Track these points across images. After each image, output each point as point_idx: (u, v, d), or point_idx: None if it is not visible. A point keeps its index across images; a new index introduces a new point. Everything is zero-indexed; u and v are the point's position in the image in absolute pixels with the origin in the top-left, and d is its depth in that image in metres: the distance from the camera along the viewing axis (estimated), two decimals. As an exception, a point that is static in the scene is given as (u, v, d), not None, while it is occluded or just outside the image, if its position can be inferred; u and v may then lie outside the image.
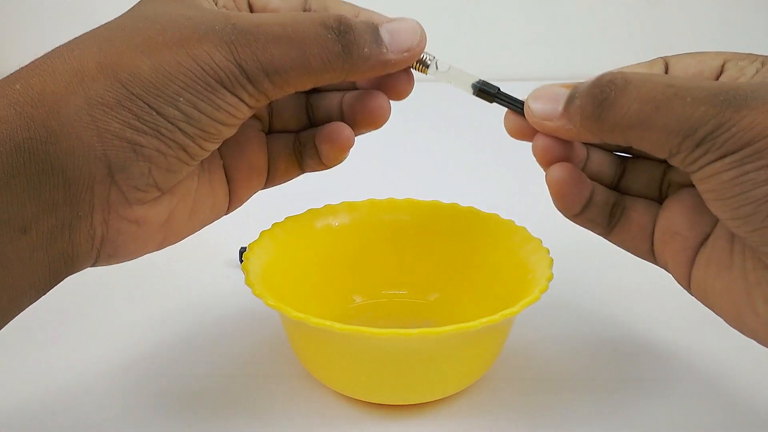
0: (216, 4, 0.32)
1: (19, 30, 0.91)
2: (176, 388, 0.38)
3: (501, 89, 0.34)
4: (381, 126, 0.34)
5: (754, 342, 0.40)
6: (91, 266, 0.31)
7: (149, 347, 0.41)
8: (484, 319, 0.32)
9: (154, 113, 0.28)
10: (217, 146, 0.31)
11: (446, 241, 0.42)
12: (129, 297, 0.45)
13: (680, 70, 0.32)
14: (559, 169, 0.32)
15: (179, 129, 0.29)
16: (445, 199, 0.43)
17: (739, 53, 0.31)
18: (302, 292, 0.39)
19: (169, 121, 0.29)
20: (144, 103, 0.28)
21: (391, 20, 0.32)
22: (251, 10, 0.33)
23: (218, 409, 0.36)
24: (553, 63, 0.90)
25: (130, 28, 0.29)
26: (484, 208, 0.42)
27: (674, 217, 0.32)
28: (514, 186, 0.62)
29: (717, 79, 0.31)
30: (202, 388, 0.38)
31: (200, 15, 0.29)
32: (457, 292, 0.41)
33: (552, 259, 0.36)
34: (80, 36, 0.30)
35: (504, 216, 0.41)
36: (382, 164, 0.66)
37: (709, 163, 0.28)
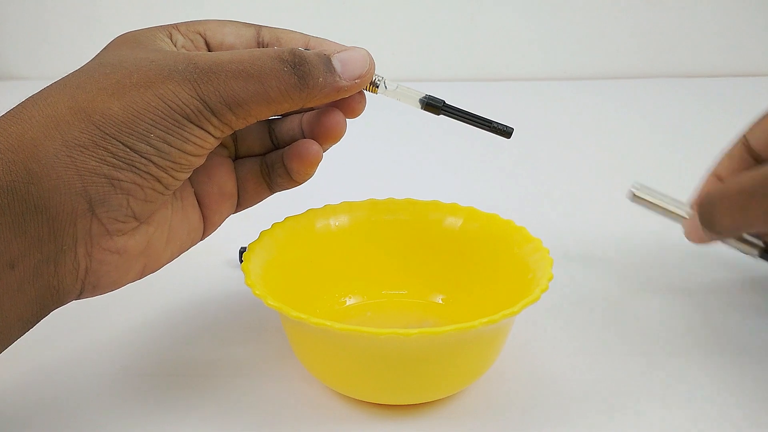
0: (175, 45, 0.35)
1: (20, 31, 0.91)
2: (175, 388, 0.37)
3: (446, 102, 0.37)
4: (339, 140, 0.37)
5: (755, 343, 0.40)
6: (76, 298, 0.32)
7: (148, 346, 0.41)
8: (484, 320, 0.32)
9: (128, 150, 0.30)
10: (188, 175, 0.33)
11: (446, 241, 0.42)
12: (129, 297, 0.45)
13: (757, 143, 0.42)
14: None
15: (152, 162, 0.31)
16: (445, 199, 0.42)
17: None
18: (302, 292, 0.39)
19: (142, 156, 0.31)
20: (118, 141, 0.30)
21: (342, 49, 0.34)
22: (209, 50, 0.35)
23: (218, 409, 0.36)
24: (552, 63, 0.91)
25: (99, 74, 0.31)
26: (484, 208, 0.42)
27: None
28: (514, 186, 0.62)
29: None
30: (201, 388, 0.38)
31: (163, 57, 0.32)
32: (457, 292, 0.41)
33: (552, 259, 0.36)
34: (51, 85, 0.32)
35: (504, 216, 0.41)
36: (382, 164, 0.66)
37: None
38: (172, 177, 0.32)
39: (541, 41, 0.91)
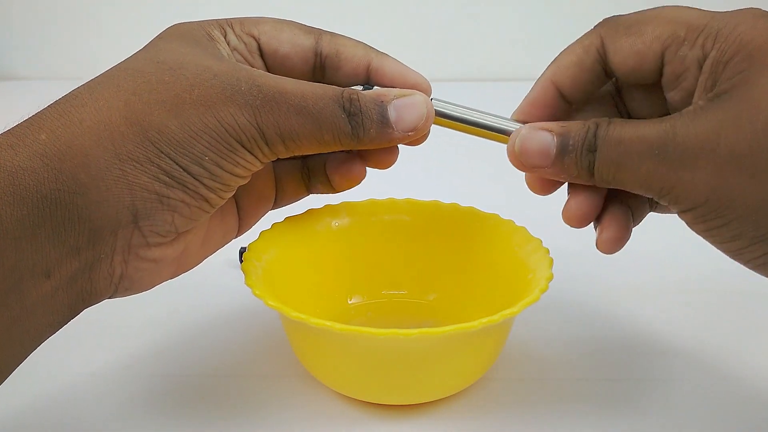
0: (229, 45, 0.33)
1: (20, 31, 0.91)
2: (176, 388, 0.38)
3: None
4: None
5: (755, 341, 0.40)
6: (108, 299, 0.32)
7: (149, 347, 0.41)
8: (484, 320, 0.32)
9: (182, 170, 0.30)
10: (232, 194, 0.32)
11: (446, 241, 0.42)
12: (128, 297, 0.45)
13: (620, 62, 0.32)
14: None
15: (203, 184, 0.30)
16: (445, 199, 0.42)
17: (680, 20, 0.31)
18: (302, 292, 0.39)
19: (195, 177, 0.30)
20: (172, 160, 0.30)
21: (400, 95, 0.33)
22: (261, 55, 0.34)
23: (218, 409, 0.36)
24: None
25: (157, 80, 0.30)
26: (484, 208, 0.42)
27: None
28: (513, 186, 0.62)
29: (661, 70, 0.31)
30: (201, 388, 0.38)
31: (225, 71, 0.31)
32: (457, 293, 0.41)
33: (552, 259, 0.36)
34: (103, 81, 0.31)
35: (504, 216, 0.41)
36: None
37: (679, 212, 0.30)
38: (219, 197, 0.31)
39: (541, 41, 0.91)
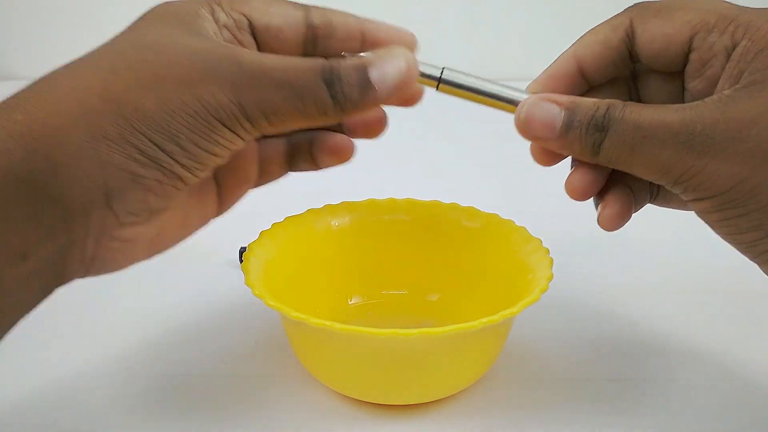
0: (217, 23, 0.32)
1: (20, 31, 0.91)
2: (176, 388, 0.37)
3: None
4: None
5: (756, 341, 0.40)
6: (80, 278, 0.31)
7: (149, 347, 0.41)
8: (484, 319, 0.32)
9: (156, 148, 0.29)
10: (210, 173, 0.32)
11: (446, 241, 0.41)
12: (128, 296, 0.45)
13: (646, 43, 0.32)
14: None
15: (178, 162, 0.30)
16: (445, 199, 0.42)
17: (711, 9, 0.31)
18: (302, 292, 0.39)
19: (169, 156, 0.29)
20: (147, 138, 0.29)
21: (381, 55, 0.32)
22: (252, 30, 0.33)
23: (217, 409, 0.36)
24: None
25: (136, 59, 0.29)
26: (484, 208, 0.42)
27: None
28: (513, 185, 0.62)
29: (687, 56, 0.31)
30: (201, 388, 0.38)
31: (206, 49, 0.30)
32: (457, 292, 0.41)
33: (552, 259, 0.36)
34: (81, 60, 0.30)
35: (504, 216, 0.41)
36: (382, 164, 0.66)
37: (692, 201, 0.30)
38: (194, 176, 0.31)
39: (541, 41, 0.91)
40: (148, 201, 0.30)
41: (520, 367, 0.39)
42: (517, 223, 0.40)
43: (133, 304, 0.44)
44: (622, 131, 0.30)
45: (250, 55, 0.30)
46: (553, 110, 0.31)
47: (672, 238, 0.49)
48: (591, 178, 0.33)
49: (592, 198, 0.34)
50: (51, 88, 0.29)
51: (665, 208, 0.35)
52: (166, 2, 0.33)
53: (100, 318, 0.43)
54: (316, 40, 0.34)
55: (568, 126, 0.31)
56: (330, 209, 0.41)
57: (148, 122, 0.29)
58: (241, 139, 0.31)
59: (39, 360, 0.39)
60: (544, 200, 0.59)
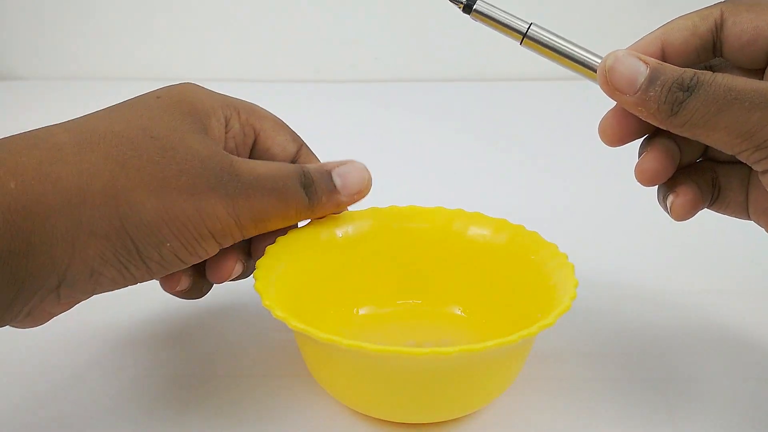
0: (227, 130, 0.35)
1: (20, 31, 0.91)
2: (181, 396, 0.37)
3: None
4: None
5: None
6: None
7: (151, 347, 0.40)
8: (500, 340, 0.30)
9: (135, 252, 0.30)
10: None
11: (457, 248, 0.40)
12: (130, 296, 0.44)
13: (735, 35, 0.33)
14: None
15: (148, 267, 0.30)
16: (447, 204, 0.42)
17: None
18: (312, 303, 0.38)
19: (143, 261, 0.30)
20: (131, 240, 0.29)
21: (340, 164, 0.36)
22: (253, 147, 0.36)
23: (219, 412, 0.36)
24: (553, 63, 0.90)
25: (147, 160, 0.30)
26: (485, 210, 0.41)
27: (763, 195, 0.34)
28: (516, 187, 0.62)
29: None
30: (199, 390, 0.37)
31: (210, 157, 0.31)
32: (474, 300, 0.40)
33: (573, 265, 0.35)
34: (90, 137, 0.30)
35: (515, 220, 0.40)
36: (378, 167, 0.66)
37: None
38: (151, 278, 0.31)
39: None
40: (94, 291, 0.30)
41: (542, 383, 0.38)
42: (542, 236, 0.39)
43: (133, 303, 0.43)
44: (713, 92, 0.30)
45: (244, 164, 0.33)
46: (638, 66, 0.31)
47: (685, 236, 0.49)
48: (663, 164, 0.34)
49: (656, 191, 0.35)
50: (55, 162, 0.29)
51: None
52: (189, 85, 0.35)
53: (99, 316, 0.42)
54: None
55: (650, 82, 0.31)
56: (333, 219, 0.39)
57: (140, 225, 0.29)
58: (220, 248, 0.32)
59: (37, 364, 0.39)
60: (546, 201, 0.59)
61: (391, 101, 0.85)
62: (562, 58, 0.34)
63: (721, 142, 0.31)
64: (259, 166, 0.33)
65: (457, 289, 0.41)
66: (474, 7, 0.35)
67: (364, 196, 0.36)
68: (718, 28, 0.33)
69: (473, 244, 0.40)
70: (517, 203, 0.58)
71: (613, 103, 0.34)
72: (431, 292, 0.41)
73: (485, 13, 0.35)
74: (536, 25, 0.35)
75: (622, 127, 0.34)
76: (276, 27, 0.92)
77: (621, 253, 0.51)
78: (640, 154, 0.35)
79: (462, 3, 0.35)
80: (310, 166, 0.35)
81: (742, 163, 0.32)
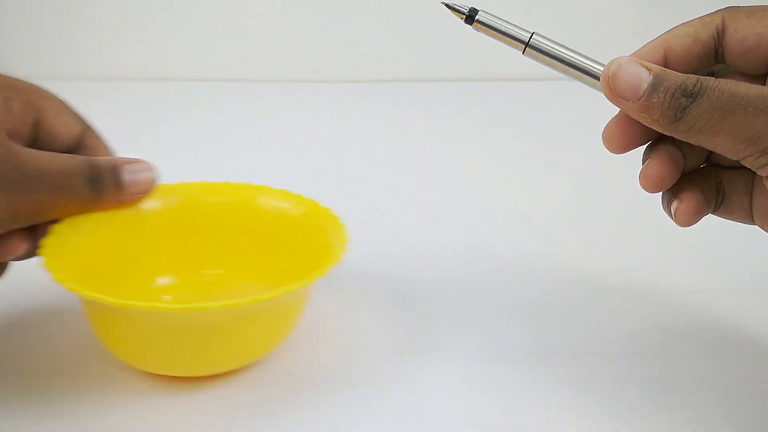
0: (10, 111, 0.35)
1: (20, 31, 0.91)
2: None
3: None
4: None
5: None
6: None
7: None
8: (256, 296, 0.34)
9: None
10: None
11: (266, 222, 0.43)
12: None
13: (737, 41, 0.33)
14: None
15: None
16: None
17: None
18: (108, 273, 0.39)
19: None
20: None
21: (131, 161, 0.38)
22: (36, 125, 0.37)
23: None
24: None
25: None
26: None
27: (767, 199, 0.34)
28: (518, 187, 0.62)
29: None
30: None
31: None
32: (271, 270, 0.42)
33: (347, 236, 0.38)
34: None
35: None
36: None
37: None
38: None
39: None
40: None
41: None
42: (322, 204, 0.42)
43: None
44: (716, 97, 0.30)
45: (28, 156, 0.34)
46: (641, 72, 0.32)
47: (676, 241, 0.49)
48: (667, 170, 0.34)
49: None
50: None
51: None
52: None
53: None
54: (79, 151, 0.38)
55: (654, 88, 0.31)
56: None
57: None
58: None
59: None
60: (545, 200, 0.59)
61: (391, 101, 0.85)
62: (564, 66, 0.35)
63: (725, 147, 0.31)
64: (44, 158, 0.35)
65: (258, 258, 0.43)
66: (476, 17, 0.36)
67: (146, 195, 0.39)
68: (720, 35, 0.33)
69: (273, 216, 0.43)
70: (518, 203, 0.58)
71: (616, 110, 0.34)
72: (234, 261, 0.43)
73: (487, 23, 0.35)
74: (538, 35, 0.35)
75: (625, 134, 0.34)
76: (276, 27, 0.92)
77: (621, 253, 0.51)
78: (644, 161, 0.35)
79: (464, 14, 0.36)
80: (101, 160, 0.37)
81: (746, 168, 0.32)
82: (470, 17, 0.36)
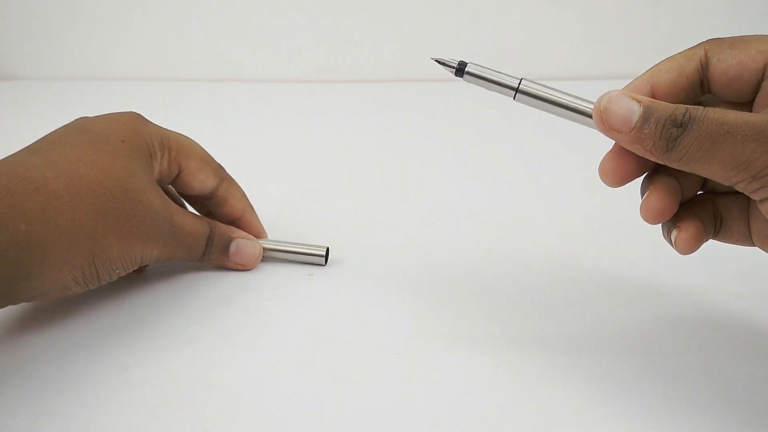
0: (158, 164, 0.43)
1: (20, 31, 0.91)
2: None
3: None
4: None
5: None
6: None
7: None
8: None
9: (96, 276, 0.39)
10: None
11: None
12: None
13: (720, 72, 0.34)
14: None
15: (99, 283, 0.40)
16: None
17: None
18: None
19: (99, 280, 0.39)
20: (95, 269, 0.39)
21: (244, 236, 0.47)
22: (175, 180, 0.46)
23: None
24: (553, 63, 0.90)
25: (121, 211, 0.39)
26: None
27: (764, 222, 0.35)
28: (527, 187, 0.62)
29: (759, 84, 0.33)
30: None
31: (161, 210, 0.42)
32: None
33: None
34: (74, 183, 0.38)
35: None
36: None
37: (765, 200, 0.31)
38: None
39: (541, 42, 0.91)
40: (55, 298, 0.41)
41: (541, 378, 0.38)
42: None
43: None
44: (706, 127, 0.31)
45: (180, 217, 0.43)
46: (631, 105, 0.33)
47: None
48: (667, 202, 0.35)
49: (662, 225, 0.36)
50: (53, 207, 0.37)
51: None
52: (142, 127, 0.43)
53: None
54: (212, 201, 0.48)
55: (644, 120, 0.32)
56: None
57: (104, 262, 0.39)
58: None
59: None
60: (545, 199, 0.59)
61: (391, 101, 0.85)
62: (555, 107, 0.35)
63: (717, 174, 0.32)
64: (188, 220, 0.44)
65: None
66: (466, 70, 0.37)
67: (247, 269, 0.47)
68: (704, 67, 0.34)
69: None
70: (519, 202, 0.58)
71: (611, 145, 0.35)
72: None
73: (477, 74, 0.37)
74: (527, 80, 0.36)
75: (621, 167, 0.35)
76: (276, 27, 0.92)
77: (622, 252, 0.51)
78: (642, 194, 0.36)
79: (454, 68, 0.37)
80: (219, 229, 0.46)
81: (741, 193, 0.33)
82: (460, 70, 0.37)
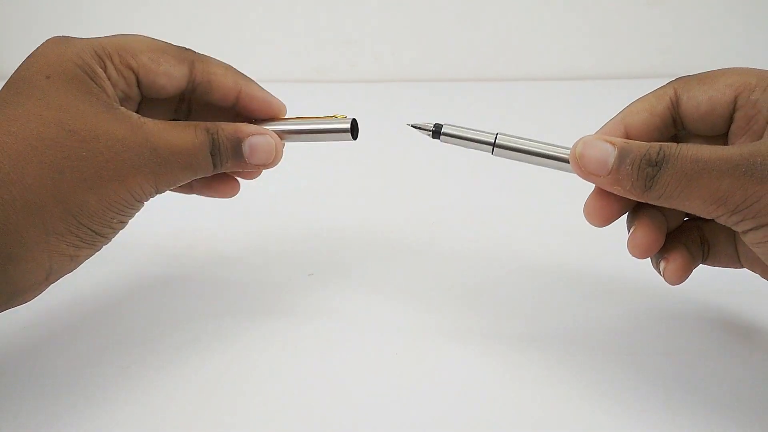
0: (110, 79, 0.36)
1: (20, 31, 0.91)
2: None
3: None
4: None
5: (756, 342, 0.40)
6: None
7: None
8: None
9: (95, 234, 0.35)
10: None
11: None
12: None
13: (692, 109, 0.35)
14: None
15: (107, 237, 0.36)
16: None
17: (749, 73, 0.34)
18: None
19: (103, 236, 0.36)
20: (89, 228, 0.35)
21: (255, 132, 0.39)
22: (140, 88, 0.38)
23: None
24: (552, 63, 0.90)
25: (76, 157, 0.34)
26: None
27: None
28: (527, 187, 0.62)
29: (731, 116, 0.34)
30: None
31: (129, 137, 0.35)
32: None
33: None
34: (19, 147, 0.33)
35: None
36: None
37: (750, 230, 0.31)
38: (110, 241, 0.37)
39: (541, 41, 0.91)
40: (78, 265, 0.36)
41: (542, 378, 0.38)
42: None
43: None
44: (681, 165, 0.31)
45: (158, 135, 0.36)
46: (606, 148, 0.33)
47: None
48: (653, 237, 0.35)
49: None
50: (3, 184, 0.33)
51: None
52: (63, 49, 0.36)
53: None
54: (194, 92, 0.39)
55: (621, 161, 0.33)
56: None
57: (90, 215, 0.35)
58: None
59: None
60: (544, 199, 0.59)
61: (391, 101, 0.85)
62: (533, 156, 0.36)
63: (698, 209, 0.32)
64: (172, 134, 0.37)
65: None
66: (442, 131, 0.38)
67: (270, 168, 0.40)
68: (675, 105, 0.35)
69: None
70: (519, 202, 0.58)
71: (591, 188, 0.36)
72: None
73: (453, 134, 0.38)
74: (502, 134, 0.37)
75: (605, 207, 0.36)
76: (276, 27, 0.92)
77: (622, 252, 0.51)
78: (629, 229, 0.36)
79: (430, 131, 0.38)
80: (223, 131, 0.38)
81: None
82: (437, 132, 0.38)
